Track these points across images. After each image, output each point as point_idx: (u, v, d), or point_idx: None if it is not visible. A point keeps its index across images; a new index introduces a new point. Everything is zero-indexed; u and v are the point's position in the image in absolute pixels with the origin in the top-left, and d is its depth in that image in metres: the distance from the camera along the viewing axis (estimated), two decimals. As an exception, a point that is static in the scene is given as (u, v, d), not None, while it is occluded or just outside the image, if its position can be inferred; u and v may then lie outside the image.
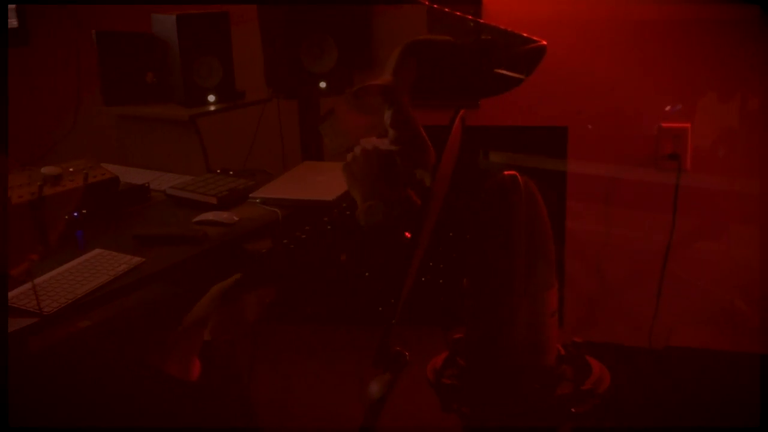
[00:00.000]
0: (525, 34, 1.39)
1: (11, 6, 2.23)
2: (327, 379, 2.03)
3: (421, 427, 1.92)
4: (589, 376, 0.76)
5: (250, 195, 2.11)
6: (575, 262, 1.84)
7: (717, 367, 1.53)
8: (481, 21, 1.46)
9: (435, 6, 1.56)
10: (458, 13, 1.53)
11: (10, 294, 1.54)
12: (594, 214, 2.07)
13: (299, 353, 2.03)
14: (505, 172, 0.71)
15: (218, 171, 2.30)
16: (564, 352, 0.77)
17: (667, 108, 1.85)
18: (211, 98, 2.41)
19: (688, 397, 1.49)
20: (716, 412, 1.46)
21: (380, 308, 1.40)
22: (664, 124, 2.00)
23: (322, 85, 2.41)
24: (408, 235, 1.15)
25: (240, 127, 2.57)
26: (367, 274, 1.12)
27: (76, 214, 1.90)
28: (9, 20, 2.22)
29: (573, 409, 0.72)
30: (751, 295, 1.98)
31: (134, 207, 2.09)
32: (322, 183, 2.11)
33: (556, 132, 1.92)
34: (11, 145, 2.30)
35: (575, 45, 2.00)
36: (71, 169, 1.99)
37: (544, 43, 1.39)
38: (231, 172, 2.28)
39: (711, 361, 1.55)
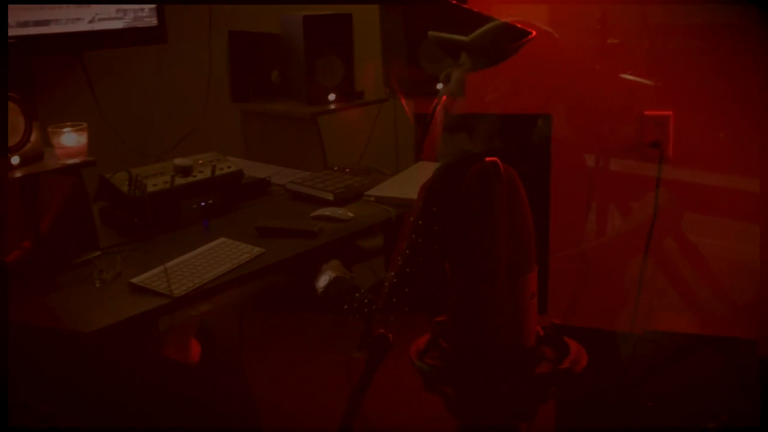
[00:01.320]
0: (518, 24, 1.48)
1: (151, 6, 2.38)
2: (314, 364, 2.08)
3: (405, 409, 1.96)
4: (567, 356, 0.77)
5: (365, 193, 2.16)
6: (559, 248, 1.84)
7: (695, 350, 1.52)
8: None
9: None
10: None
11: (144, 275, 1.65)
12: (578, 201, 2.08)
13: (286, 340, 2.07)
14: (487, 159, 0.73)
15: (335, 168, 2.36)
16: (543, 334, 0.78)
17: None
18: (332, 97, 2.48)
19: (667, 378, 1.50)
20: (695, 393, 1.47)
21: (366, 300, 1.46)
22: (646, 112, 1.99)
23: (440, 86, 2.42)
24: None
25: (357, 126, 2.63)
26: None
27: (203, 203, 2.02)
28: (149, 20, 2.37)
29: (552, 388, 0.74)
30: (732, 282, 1.95)
31: (256, 199, 2.19)
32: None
33: (539, 119, 1.93)
34: (150, 135, 2.46)
35: (558, 31, 1.99)
36: (200, 161, 2.11)
37: (534, 33, 1.47)
38: (347, 170, 2.34)
39: (689, 345, 1.54)
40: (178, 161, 2.00)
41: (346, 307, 1.45)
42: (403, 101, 2.47)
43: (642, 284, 2.03)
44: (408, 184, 2.17)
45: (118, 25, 2.34)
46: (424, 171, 2.42)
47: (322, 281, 1.62)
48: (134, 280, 1.60)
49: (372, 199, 2.11)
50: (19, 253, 1.31)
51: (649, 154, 2.05)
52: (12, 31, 2.05)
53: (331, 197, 2.09)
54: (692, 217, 2.09)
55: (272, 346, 2.01)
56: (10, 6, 2.04)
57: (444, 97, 0.86)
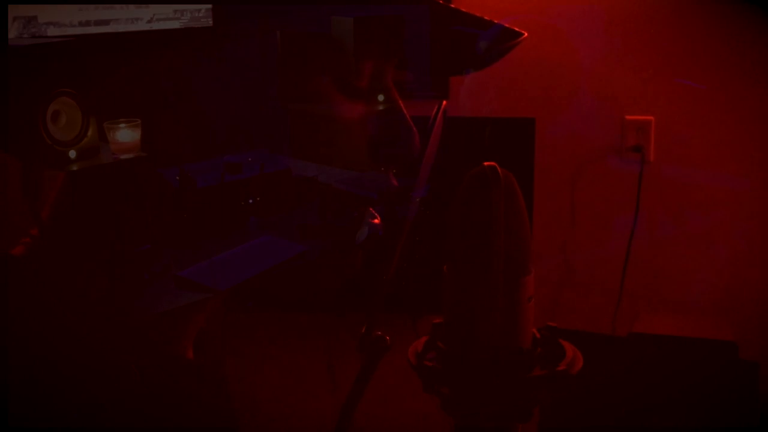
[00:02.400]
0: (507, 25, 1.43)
1: (207, 6, 2.44)
2: (295, 365, 2.08)
3: (399, 409, 1.96)
4: (563, 359, 0.78)
5: (411, 194, 2.16)
6: (542, 252, 1.84)
7: (680, 353, 1.52)
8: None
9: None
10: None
11: (191, 269, 1.69)
12: (560, 204, 2.09)
13: (265, 340, 2.07)
14: (485, 163, 0.74)
15: (382, 168, 2.37)
16: (539, 336, 0.79)
17: None
18: (381, 98, 2.48)
19: (651, 381, 1.51)
20: (677, 396, 1.48)
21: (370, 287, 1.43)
22: (627, 117, 2.01)
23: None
24: (395, 183, 1.18)
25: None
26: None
27: (251, 200, 2.05)
28: (205, 20, 2.43)
29: (549, 389, 0.74)
30: (713, 284, 1.94)
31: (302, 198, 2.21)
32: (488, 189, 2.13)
33: (524, 123, 1.95)
34: (201, 132, 2.52)
35: (543, 36, 2.00)
36: (249, 159, 2.15)
37: (525, 34, 1.43)
38: (394, 171, 2.35)
39: (674, 348, 1.54)
40: (228, 158, 2.05)
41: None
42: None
43: (624, 288, 2.04)
44: (454, 186, 2.17)
45: (175, 25, 2.41)
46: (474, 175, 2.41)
47: (361, 234, 1.59)
48: (181, 273, 1.64)
49: (417, 199, 2.11)
50: (24, 247, 1.35)
51: (630, 158, 2.07)
52: (73, 30, 2.12)
53: (376, 197, 2.10)
54: (675, 217, 2.10)
55: (250, 347, 2.03)
56: (73, 6, 2.11)
57: (445, 102, 0.85)
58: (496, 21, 1.80)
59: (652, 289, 2.15)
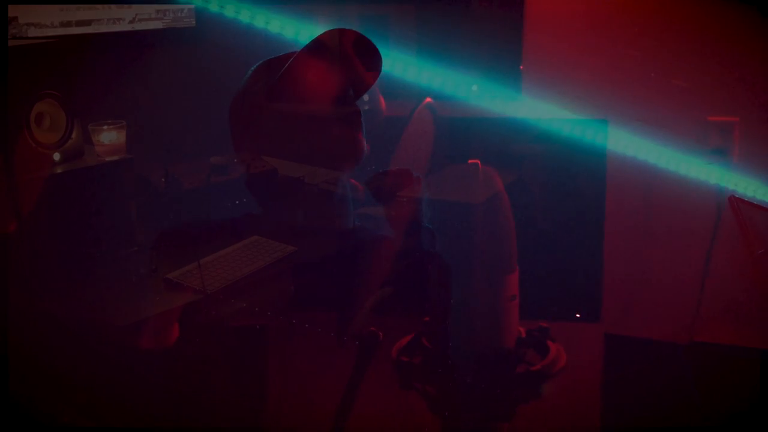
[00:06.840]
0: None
1: (190, 6, 2.42)
2: (282, 365, 2.05)
3: (391, 408, 1.93)
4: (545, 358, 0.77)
5: (398, 193, 2.16)
6: (615, 256, 1.78)
7: (744, 363, 1.50)
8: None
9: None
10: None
11: (178, 271, 1.68)
12: (635, 208, 2.03)
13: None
14: (470, 161, 0.74)
15: (371, 168, 2.37)
16: (525, 336, 0.78)
17: None
18: (366, 98, 2.48)
19: (713, 391, 1.49)
20: (737, 407, 1.47)
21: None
22: (710, 118, 1.94)
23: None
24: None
25: (392, 129, 2.63)
26: None
27: (237, 201, 2.04)
28: (188, 20, 2.41)
29: (530, 388, 0.74)
30: None
31: (289, 198, 2.21)
32: (470, 186, 2.13)
33: (596, 124, 1.93)
34: (187, 134, 2.50)
35: (620, 34, 1.95)
36: (236, 160, 2.14)
37: None
38: (380, 171, 2.35)
39: (739, 357, 1.52)
40: (214, 160, 2.03)
41: None
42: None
43: (704, 296, 1.95)
44: (444, 184, 2.17)
45: (158, 25, 2.38)
46: (456, 172, 2.42)
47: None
48: (169, 276, 1.62)
49: (404, 200, 2.11)
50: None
51: (713, 161, 1.97)
52: (54, 31, 2.10)
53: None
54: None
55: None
56: (53, 6, 2.09)
57: (428, 99, 0.81)
58: (571, 22, 1.74)
59: (731, 299, 2.03)
